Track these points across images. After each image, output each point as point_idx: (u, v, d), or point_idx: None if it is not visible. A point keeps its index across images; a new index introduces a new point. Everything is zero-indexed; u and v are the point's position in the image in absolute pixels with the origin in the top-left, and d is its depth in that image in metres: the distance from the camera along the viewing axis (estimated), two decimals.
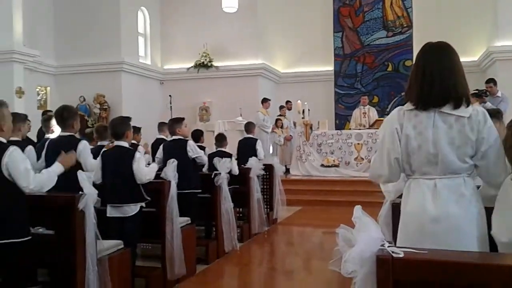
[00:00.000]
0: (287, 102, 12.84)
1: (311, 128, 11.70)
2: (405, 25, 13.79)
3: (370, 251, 1.51)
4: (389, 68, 13.89)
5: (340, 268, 1.53)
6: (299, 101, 11.64)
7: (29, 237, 2.99)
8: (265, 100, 12.02)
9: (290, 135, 12.26)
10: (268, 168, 7.66)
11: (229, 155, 6.22)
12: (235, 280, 5.30)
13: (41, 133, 7.02)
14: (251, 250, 6.39)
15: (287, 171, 11.22)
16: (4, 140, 2.98)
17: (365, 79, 14.08)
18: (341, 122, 13.99)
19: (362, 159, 10.76)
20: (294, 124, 12.40)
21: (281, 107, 12.62)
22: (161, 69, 14.49)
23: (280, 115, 12.45)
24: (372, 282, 1.52)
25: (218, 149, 6.54)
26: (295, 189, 9.60)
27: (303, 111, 11.45)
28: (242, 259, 5.84)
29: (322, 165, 10.78)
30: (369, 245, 1.51)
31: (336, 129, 12.85)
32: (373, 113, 12.31)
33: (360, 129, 11.45)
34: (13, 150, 2.91)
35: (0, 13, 10.57)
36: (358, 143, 10.87)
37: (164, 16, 14.43)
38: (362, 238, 1.52)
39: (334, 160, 10.75)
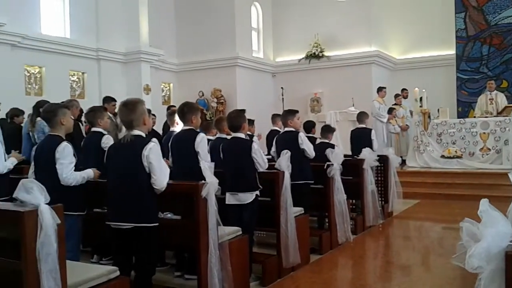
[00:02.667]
0: (403, 90, 12.27)
1: (429, 116, 11.08)
2: None
3: (499, 247, 1.42)
4: None
5: (463, 264, 1.46)
6: (416, 89, 11.06)
7: (157, 223, 3.28)
8: (380, 89, 11.61)
9: (407, 125, 11.73)
10: (383, 159, 7.43)
11: (331, 147, 6.15)
12: (349, 271, 5.26)
13: (166, 127, 7.63)
14: (365, 242, 6.27)
15: (403, 162, 10.76)
16: (143, 134, 3.31)
17: (492, 62, 12.88)
18: (464, 109, 13.01)
19: (489, 149, 9.90)
20: (411, 113, 11.81)
21: (396, 96, 12.10)
22: (273, 62, 14.76)
23: (395, 104, 11.95)
24: (500, 279, 1.42)
25: (321, 141, 6.47)
26: (412, 182, 9.20)
27: (421, 99, 10.87)
28: (356, 251, 5.77)
29: (443, 156, 10.14)
30: (497, 241, 1.42)
31: (458, 117, 12.00)
32: (501, 99, 11.23)
33: (486, 117, 10.52)
34: (153, 146, 3.19)
35: (128, 17, 11.69)
36: (484, 132, 10.01)
37: (276, 9, 14.66)
38: (490, 233, 1.43)
39: (456, 151, 10.04)
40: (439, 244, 6.23)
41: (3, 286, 2.64)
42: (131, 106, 3.27)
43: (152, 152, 3.15)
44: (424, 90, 10.84)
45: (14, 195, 2.44)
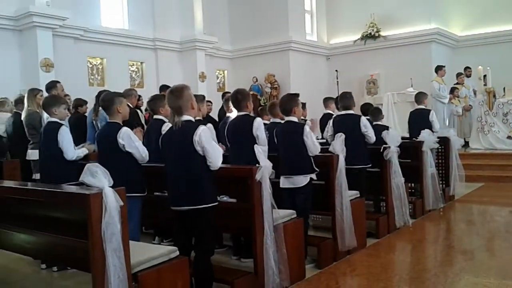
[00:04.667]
0: (466, 68, 11.66)
1: (494, 96, 10.48)
2: None
3: None
4: None
5: None
6: (480, 67, 10.49)
7: (216, 203, 3.38)
8: (439, 68, 11.09)
9: (470, 105, 11.17)
10: (444, 141, 7.15)
11: (386, 128, 5.98)
12: (408, 256, 5.15)
13: (222, 113, 7.75)
14: (424, 227, 6.10)
15: (466, 144, 10.31)
16: (192, 119, 3.40)
17: None
18: None
19: None
20: (474, 92, 11.23)
21: (458, 75, 11.52)
22: (327, 45, 14.52)
23: (457, 83, 11.40)
24: None
25: (374, 123, 6.29)
26: (475, 164, 8.85)
27: (485, 77, 10.29)
28: (415, 236, 5.62)
29: (509, 137, 9.63)
30: None
31: None
32: None
33: None
34: (203, 129, 3.28)
35: (183, 6, 11.92)
36: None
37: None
38: None
39: None
40: (505, 229, 5.94)
41: (72, 263, 2.84)
42: (178, 93, 3.35)
43: (203, 136, 3.23)
44: (488, 68, 10.26)
45: (80, 179, 2.60)
